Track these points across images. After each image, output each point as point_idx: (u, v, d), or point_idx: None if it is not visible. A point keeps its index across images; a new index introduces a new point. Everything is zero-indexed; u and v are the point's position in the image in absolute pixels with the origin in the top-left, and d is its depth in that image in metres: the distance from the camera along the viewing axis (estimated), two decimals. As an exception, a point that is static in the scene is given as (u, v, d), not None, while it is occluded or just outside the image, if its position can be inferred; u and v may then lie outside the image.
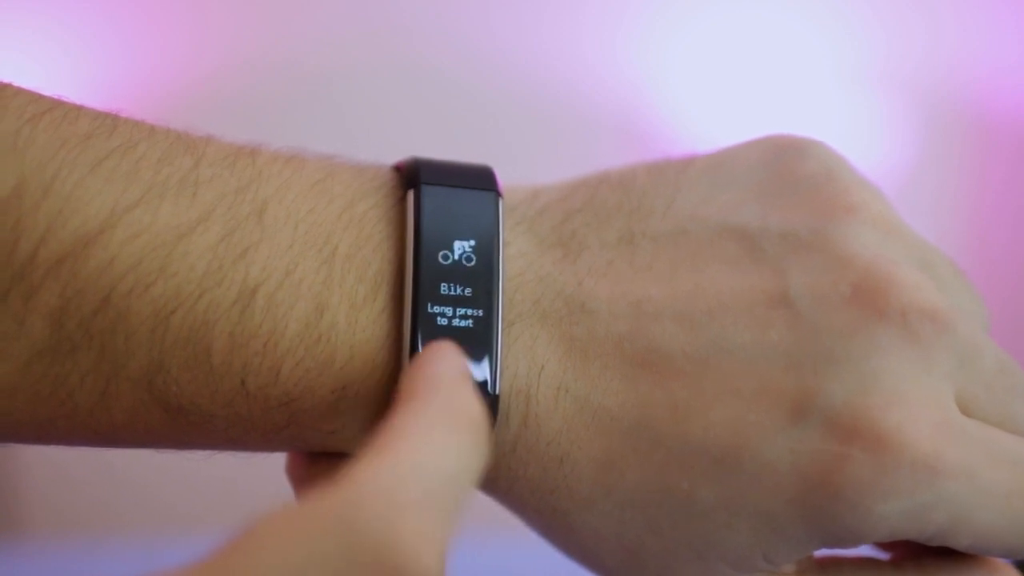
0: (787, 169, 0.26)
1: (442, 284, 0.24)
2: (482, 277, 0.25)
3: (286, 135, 1.23)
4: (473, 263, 0.25)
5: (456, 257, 0.25)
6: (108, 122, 0.23)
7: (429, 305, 0.24)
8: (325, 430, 0.25)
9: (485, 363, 0.24)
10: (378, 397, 0.24)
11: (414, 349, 0.24)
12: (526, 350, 0.25)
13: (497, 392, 0.24)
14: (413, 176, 0.25)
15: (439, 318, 0.24)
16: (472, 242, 0.25)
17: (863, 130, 1.45)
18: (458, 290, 0.24)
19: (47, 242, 0.22)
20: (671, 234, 0.26)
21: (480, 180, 0.26)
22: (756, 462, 0.24)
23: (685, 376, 0.24)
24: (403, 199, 0.25)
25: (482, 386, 0.24)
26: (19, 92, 0.23)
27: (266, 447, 0.25)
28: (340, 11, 1.39)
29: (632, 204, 0.27)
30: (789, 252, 0.25)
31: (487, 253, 0.25)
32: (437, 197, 0.25)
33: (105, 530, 1.29)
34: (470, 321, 0.24)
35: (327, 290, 0.24)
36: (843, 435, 0.23)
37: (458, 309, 0.24)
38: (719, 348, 0.24)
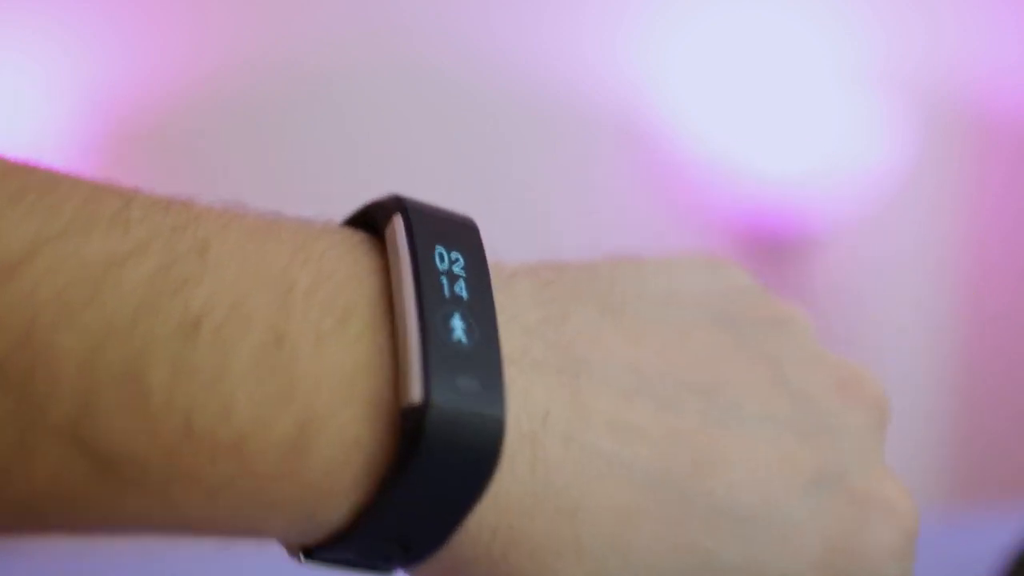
0: (732, 281, 0.28)
1: (444, 288, 0.22)
2: (477, 289, 0.23)
3: (286, 135, 1.23)
4: (465, 277, 0.23)
5: (449, 267, 0.23)
6: (23, 164, 0.21)
7: (433, 314, 0.22)
8: (277, 489, 0.21)
9: (495, 388, 0.22)
10: (351, 431, 0.21)
11: (427, 359, 0.21)
12: (523, 393, 0.23)
13: (505, 421, 0.22)
14: (394, 202, 0.24)
15: (451, 332, 0.22)
16: (459, 258, 0.23)
17: (863, 130, 1.45)
18: (459, 294, 0.22)
19: None
20: (653, 314, 0.25)
21: (456, 216, 0.25)
22: (782, 524, 0.24)
23: (704, 435, 0.24)
24: (366, 239, 0.23)
25: (487, 419, 0.21)
26: None
27: (206, 516, 0.21)
28: (340, 11, 1.39)
29: (603, 286, 0.26)
30: (771, 341, 0.26)
31: (478, 267, 0.23)
32: (421, 216, 0.23)
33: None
34: (472, 337, 0.22)
35: (283, 321, 0.21)
36: (860, 501, 0.25)
37: (457, 319, 0.22)
38: (733, 414, 0.24)
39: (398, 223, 0.23)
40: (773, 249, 1.48)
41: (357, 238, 0.23)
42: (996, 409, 1.55)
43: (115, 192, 0.22)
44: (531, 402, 0.23)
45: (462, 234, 0.24)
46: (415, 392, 0.21)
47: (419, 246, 0.22)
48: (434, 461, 0.21)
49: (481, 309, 0.22)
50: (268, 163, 1.41)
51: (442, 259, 0.23)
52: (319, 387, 0.21)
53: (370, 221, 0.24)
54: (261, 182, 1.41)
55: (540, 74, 1.42)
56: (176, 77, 1.37)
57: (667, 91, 1.44)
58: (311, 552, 0.22)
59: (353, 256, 0.23)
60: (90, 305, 0.19)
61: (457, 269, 0.23)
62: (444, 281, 0.22)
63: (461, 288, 0.22)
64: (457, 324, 0.22)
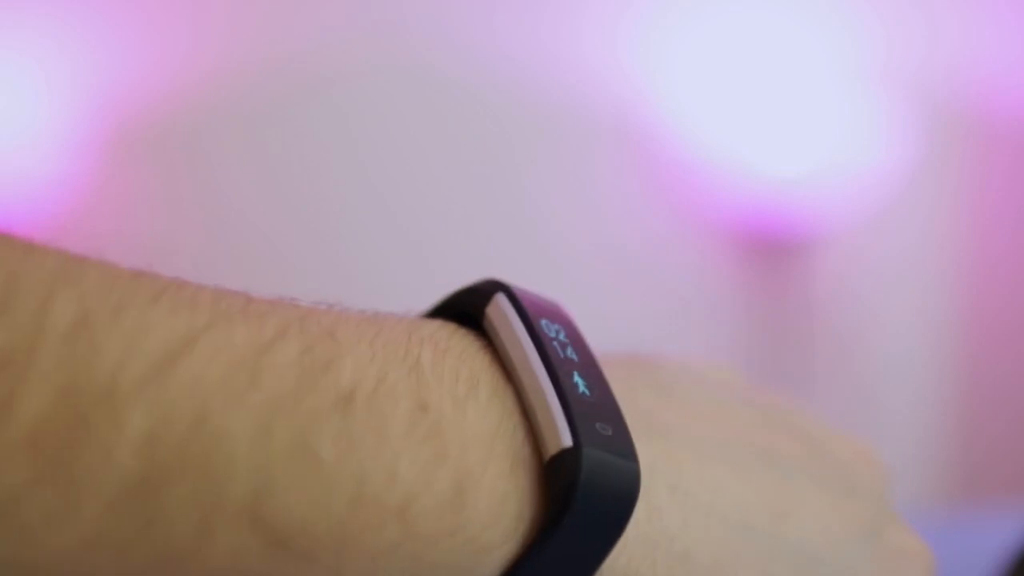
0: (732, 375, 0.32)
1: (560, 351, 0.24)
2: (583, 353, 0.25)
3: (286, 135, 1.23)
4: (571, 344, 0.25)
5: (556, 335, 0.25)
6: (145, 271, 0.22)
7: (560, 371, 0.24)
8: (438, 550, 0.22)
9: (625, 434, 0.24)
10: (500, 487, 0.23)
11: (568, 409, 0.23)
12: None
13: (639, 464, 0.24)
14: (491, 284, 0.26)
15: (577, 388, 0.24)
16: (561, 329, 0.25)
17: (864, 130, 1.45)
18: (571, 356, 0.25)
19: (127, 364, 0.20)
20: (696, 394, 0.29)
21: (543, 296, 0.27)
22: (844, 562, 0.28)
23: (775, 489, 0.27)
24: (460, 326, 0.26)
25: (626, 462, 0.23)
26: (50, 250, 0.21)
27: None
28: (340, 12, 1.39)
29: (648, 372, 0.29)
30: (790, 418, 0.30)
31: (578, 336, 0.26)
32: (521, 294, 0.26)
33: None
34: (594, 391, 0.24)
35: (424, 391, 0.22)
36: (896, 552, 0.29)
37: (577, 377, 0.24)
38: (790, 473, 0.28)
39: (502, 300, 0.25)
40: (774, 249, 1.48)
41: (453, 324, 0.26)
42: (996, 409, 1.55)
43: (233, 291, 0.23)
44: (640, 454, 0.24)
45: (556, 310, 0.26)
46: (565, 438, 0.23)
47: (531, 317, 0.25)
48: (588, 503, 0.22)
49: (592, 369, 0.25)
50: (268, 163, 1.41)
51: (548, 328, 0.25)
52: (467, 447, 0.22)
53: (458, 308, 0.26)
54: (261, 182, 1.41)
55: (540, 74, 1.42)
56: (176, 77, 1.37)
57: (667, 91, 1.44)
58: None
59: (458, 336, 0.25)
60: (253, 387, 0.20)
61: (562, 337, 0.25)
62: (557, 346, 0.24)
63: (571, 352, 0.25)
64: (579, 380, 0.24)
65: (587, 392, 0.24)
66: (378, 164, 1.42)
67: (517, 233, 1.45)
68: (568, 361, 0.24)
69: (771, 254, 1.48)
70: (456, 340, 0.25)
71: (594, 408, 0.24)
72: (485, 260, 1.42)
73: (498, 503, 0.22)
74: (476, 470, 0.22)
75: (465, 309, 0.26)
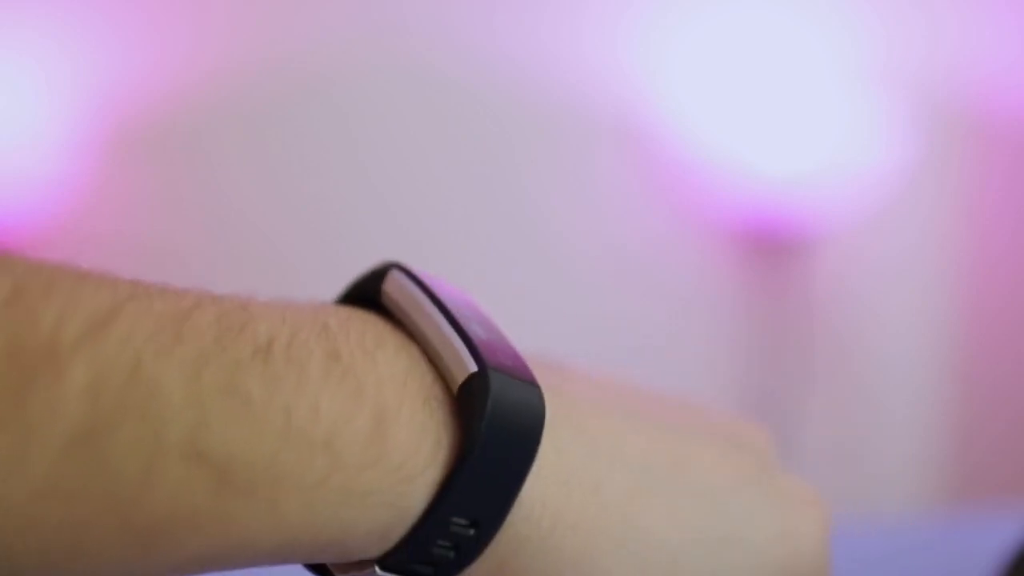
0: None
1: (454, 306, 0.27)
2: (474, 308, 0.28)
3: (286, 135, 1.23)
4: (462, 302, 0.28)
5: (450, 297, 0.27)
6: (66, 262, 0.24)
7: (462, 320, 0.26)
8: (365, 480, 0.24)
9: (524, 366, 0.26)
10: (417, 419, 0.25)
11: (470, 343, 0.25)
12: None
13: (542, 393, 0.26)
14: (385, 265, 0.28)
15: (477, 331, 0.26)
16: (456, 295, 0.28)
17: (864, 130, 1.45)
18: (466, 313, 0.27)
19: (63, 326, 0.22)
20: (589, 381, 0.32)
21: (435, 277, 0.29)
22: (742, 503, 0.30)
23: (671, 440, 0.30)
24: (356, 307, 0.28)
25: (530, 387, 0.26)
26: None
27: (305, 521, 0.24)
28: (340, 12, 1.39)
29: (536, 360, 0.31)
30: (689, 407, 0.34)
31: (470, 301, 0.28)
32: (412, 269, 0.28)
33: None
34: (489, 334, 0.27)
35: (334, 344, 0.25)
36: (788, 494, 0.31)
37: (475, 324, 0.27)
38: (684, 430, 0.31)
39: (396, 273, 0.28)
40: (774, 249, 1.48)
41: (349, 305, 0.28)
42: (996, 409, 1.55)
43: (144, 281, 0.25)
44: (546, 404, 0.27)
45: (451, 286, 0.28)
46: (470, 365, 0.25)
47: (424, 282, 0.27)
48: (499, 420, 0.25)
49: (488, 322, 0.27)
50: (268, 163, 1.41)
51: (443, 290, 0.27)
52: (381, 387, 0.24)
53: (357, 295, 0.29)
54: (261, 182, 1.41)
55: (540, 74, 1.42)
56: (176, 77, 1.37)
57: (667, 91, 1.44)
58: (387, 561, 0.25)
59: (360, 311, 0.27)
60: (178, 343, 0.23)
61: (457, 299, 0.27)
62: (452, 305, 0.27)
63: (466, 310, 0.27)
64: (475, 327, 0.26)
65: (483, 334, 0.26)
66: (378, 164, 1.42)
67: (517, 233, 1.45)
68: (464, 316, 0.26)
69: (771, 254, 1.48)
70: (358, 313, 0.27)
71: (493, 345, 0.26)
72: (485, 260, 1.42)
73: (417, 432, 0.24)
74: (392, 405, 0.24)
75: (364, 294, 0.28)
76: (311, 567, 0.27)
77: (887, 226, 1.51)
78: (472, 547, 0.25)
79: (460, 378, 0.25)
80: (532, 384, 0.26)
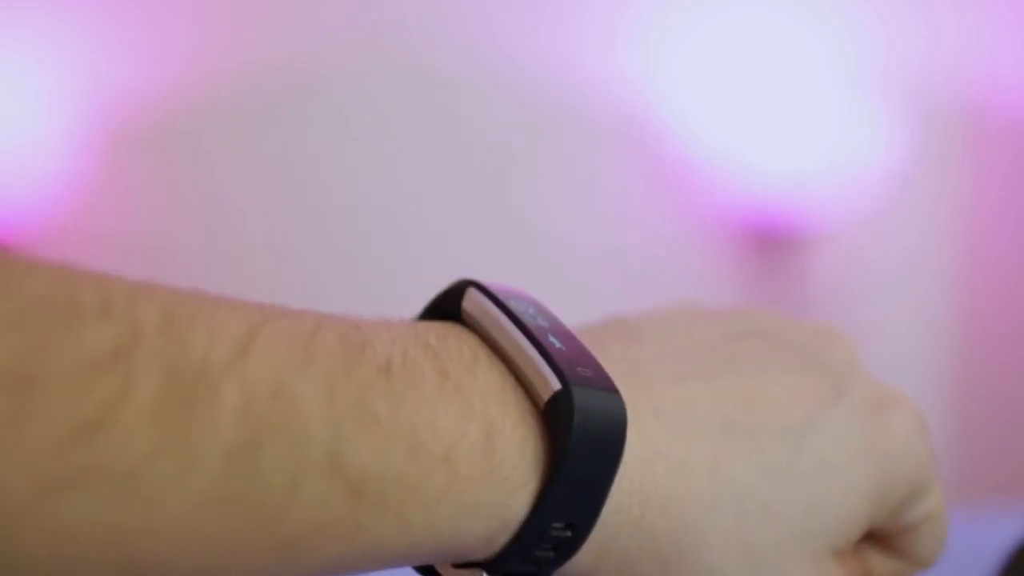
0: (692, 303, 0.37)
1: (533, 320, 0.28)
2: (551, 319, 0.29)
3: (286, 135, 1.22)
4: (539, 314, 0.29)
5: (525, 310, 0.29)
6: (193, 289, 0.26)
7: (536, 334, 0.28)
8: (479, 491, 0.26)
9: (603, 372, 0.28)
10: (518, 433, 0.26)
11: (551, 360, 0.27)
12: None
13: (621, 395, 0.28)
14: (461, 283, 0.30)
15: (554, 345, 0.28)
16: (529, 306, 0.29)
17: (863, 129, 1.45)
18: (542, 324, 0.29)
19: (212, 350, 0.23)
20: (662, 322, 0.33)
21: (511, 287, 0.31)
22: (825, 426, 0.31)
23: (745, 383, 0.31)
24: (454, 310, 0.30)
25: (610, 393, 0.27)
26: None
27: (427, 529, 0.26)
28: (339, 12, 1.39)
29: (620, 323, 0.34)
30: (752, 321, 0.35)
31: (544, 309, 0.30)
32: (487, 285, 0.30)
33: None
34: (567, 347, 0.29)
35: (440, 362, 0.27)
36: (872, 404, 0.32)
37: (552, 337, 0.28)
38: (757, 369, 0.32)
39: (473, 292, 0.29)
40: (773, 248, 1.48)
41: (436, 320, 0.30)
42: (995, 409, 1.55)
43: (268, 304, 0.26)
44: (621, 392, 0.28)
45: (521, 292, 0.30)
46: (554, 383, 0.27)
47: (501, 299, 0.29)
48: (585, 431, 0.26)
49: (563, 330, 0.29)
50: (268, 163, 1.41)
51: (518, 305, 0.29)
52: (486, 403, 0.26)
53: (437, 312, 0.30)
54: (261, 182, 1.41)
55: (541, 74, 1.42)
56: (176, 78, 1.37)
57: (668, 91, 1.44)
58: (493, 565, 0.27)
59: (449, 326, 0.29)
60: (311, 363, 0.24)
61: (532, 311, 0.29)
62: (529, 318, 0.28)
63: (542, 321, 0.29)
64: (554, 340, 0.28)
65: (563, 347, 0.28)
66: (378, 164, 1.42)
67: (518, 233, 1.45)
68: (540, 328, 0.28)
69: (771, 253, 1.48)
70: (449, 329, 0.28)
71: (572, 357, 0.27)
72: (486, 260, 1.42)
73: (519, 446, 0.26)
74: (497, 420, 0.26)
75: (444, 310, 0.30)
76: (419, 568, 0.28)
77: (886, 225, 1.51)
78: (570, 547, 0.27)
79: (546, 395, 0.27)
80: (612, 392, 0.27)
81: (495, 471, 0.26)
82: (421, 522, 0.25)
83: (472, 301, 0.29)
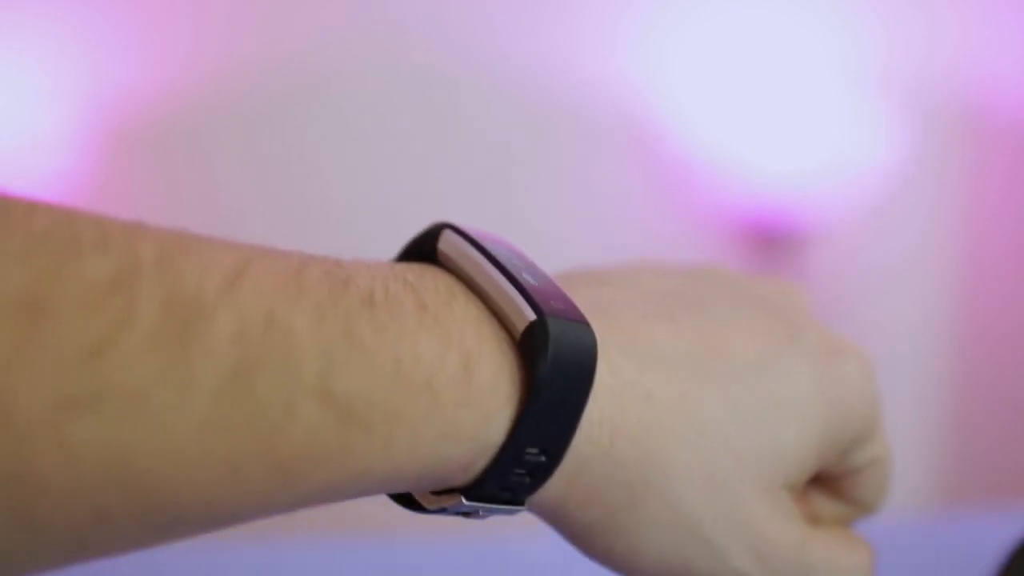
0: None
1: (507, 259, 0.30)
2: (525, 260, 0.31)
3: (286, 135, 1.22)
4: (515, 255, 0.31)
5: (499, 250, 0.30)
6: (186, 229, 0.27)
7: (512, 270, 0.29)
8: (459, 415, 0.27)
9: (573, 305, 0.29)
10: (494, 361, 0.28)
11: (525, 294, 0.28)
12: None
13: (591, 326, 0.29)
14: (438, 226, 0.31)
15: (528, 280, 0.29)
16: (504, 247, 0.31)
17: (862, 129, 1.45)
18: (516, 263, 0.30)
19: (206, 280, 0.24)
20: (625, 284, 0.35)
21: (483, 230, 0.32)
22: (782, 365, 0.33)
23: (709, 325, 0.33)
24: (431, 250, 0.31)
25: (581, 325, 0.28)
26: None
27: (411, 454, 0.27)
28: (339, 12, 1.39)
29: (576, 278, 0.36)
30: (712, 275, 0.37)
31: (517, 250, 0.31)
32: (463, 227, 0.31)
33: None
34: (540, 282, 0.30)
35: (419, 295, 0.28)
36: (825, 350, 0.34)
37: (525, 274, 0.30)
38: (717, 314, 0.33)
39: (449, 233, 0.31)
40: (772, 247, 1.48)
41: (413, 261, 0.31)
42: (994, 409, 1.55)
43: (254, 244, 0.27)
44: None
45: (497, 236, 0.31)
46: (528, 314, 0.28)
47: (476, 239, 0.30)
48: (559, 363, 0.28)
49: (536, 269, 0.30)
50: (268, 163, 1.41)
51: (494, 246, 0.30)
52: (463, 334, 0.27)
53: (414, 254, 0.31)
54: (261, 182, 1.41)
55: (541, 75, 1.42)
56: (176, 78, 1.37)
57: (668, 91, 1.44)
58: (471, 491, 0.28)
59: (426, 266, 0.30)
60: (300, 295, 0.25)
61: (506, 252, 0.30)
62: (503, 257, 0.29)
63: (516, 260, 0.30)
64: (527, 276, 0.29)
65: (534, 282, 0.29)
66: (378, 164, 1.42)
67: (518, 233, 1.44)
68: (515, 266, 0.29)
69: (770, 252, 1.48)
70: (426, 268, 0.30)
71: (545, 292, 0.29)
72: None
73: (495, 373, 0.28)
74: (475, 350, 0.27)
75: (420, 253, 0.31)
76: (397, 499, 0.30)
77: (886, 225, 1.51)
78: (543, 472, 0.29)
79: (521, 326, 0.28)
80: (583, 323, 0.29)
81: (474, 398, 0.27)
82: (405, 446, 0.26)
83: (448, 242, 0.30)
